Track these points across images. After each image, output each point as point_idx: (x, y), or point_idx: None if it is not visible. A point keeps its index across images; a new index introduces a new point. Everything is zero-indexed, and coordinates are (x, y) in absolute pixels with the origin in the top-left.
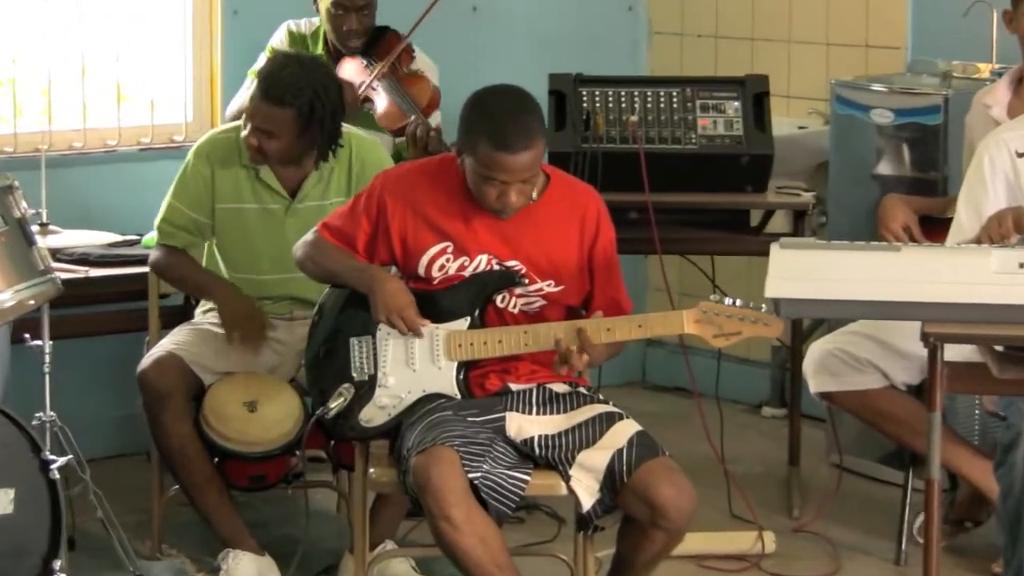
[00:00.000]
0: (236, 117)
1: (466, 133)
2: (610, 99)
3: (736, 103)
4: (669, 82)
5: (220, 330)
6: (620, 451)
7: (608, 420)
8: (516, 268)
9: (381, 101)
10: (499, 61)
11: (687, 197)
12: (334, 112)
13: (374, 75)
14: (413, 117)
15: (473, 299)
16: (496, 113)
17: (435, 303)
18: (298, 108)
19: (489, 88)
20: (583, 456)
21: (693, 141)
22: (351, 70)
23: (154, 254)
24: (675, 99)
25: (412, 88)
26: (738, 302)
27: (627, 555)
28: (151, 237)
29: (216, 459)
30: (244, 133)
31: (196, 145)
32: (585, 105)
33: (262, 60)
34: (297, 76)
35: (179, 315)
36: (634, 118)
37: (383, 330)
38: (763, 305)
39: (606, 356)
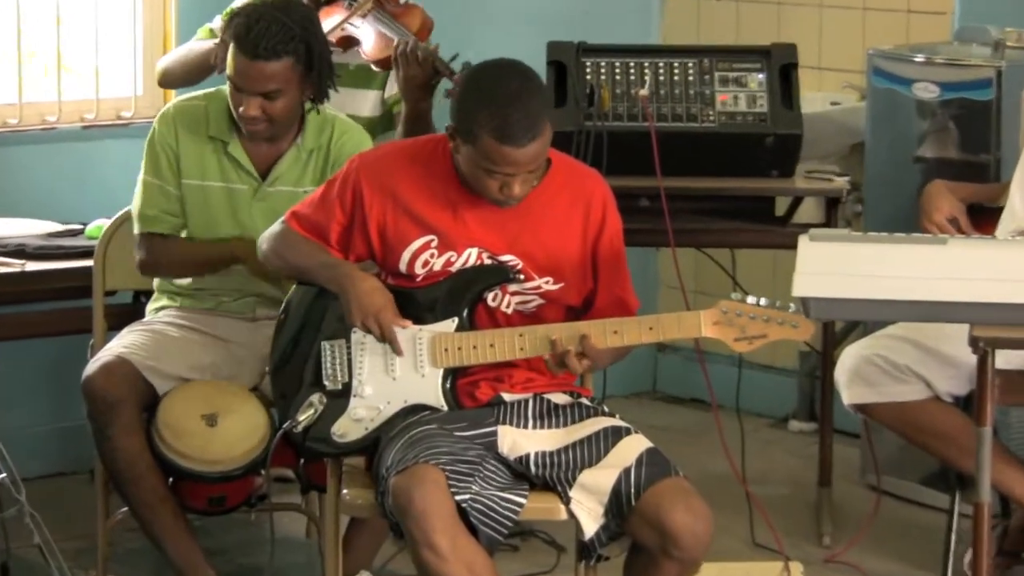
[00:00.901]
0: (177, 69)
1: (463, 121)
2: (617, 71)
3: (760, 76)
4: (684, 51)
5: (176, 331)
6: (627, 470)
7: (614, 435)
8: (511, 263)
9: (367, 36)
10: (491, 27)
11: (704, 182)
12: (324, 42)
13: (356, 10)
14: (403, 38)
15: (461, 297)
16: (498, 100)
17: (418, 302)
18: (294, 53)
19: (487, 67)
20: (586, 476)
21: (711, 119)
22: (335, 17)
23: (139, 252)
24: (691, 71)
25: (402, 18)
26: (763, 301)
27: None
28: (97, 226)
29: (170, 478)
30: (241, 110)
31: (161, 112)
32: (589, 78)
33: (218, 21)
34: (278, 21)
35: (128, 314)
36: (644, 92)
37: (359, 334)
38: (791, 304)
39: (610, 360)
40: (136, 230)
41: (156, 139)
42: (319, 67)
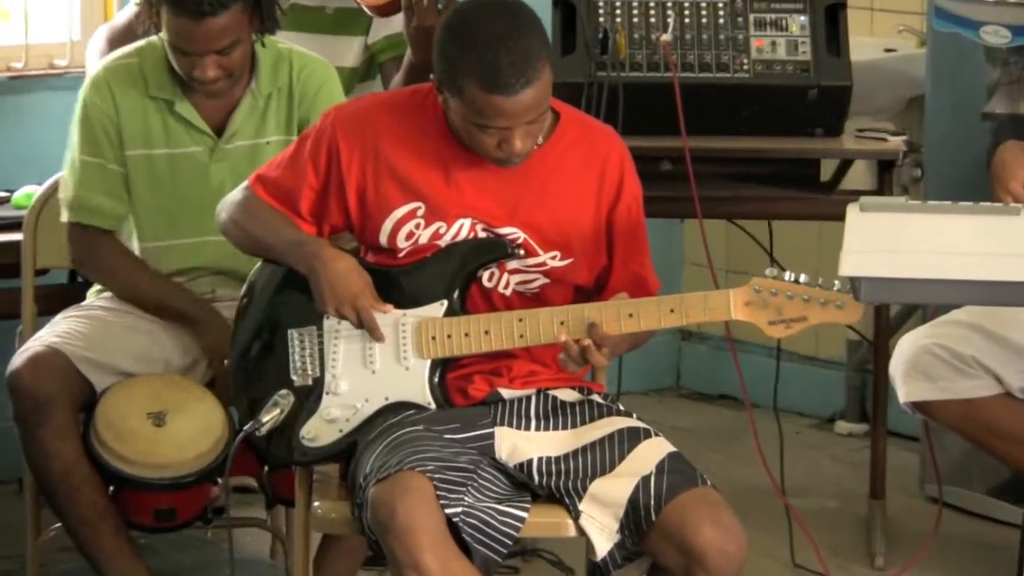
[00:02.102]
0: (119, 34)
1: (446, 69)
2: (635, 11)
3: (802, 18)
4: None
5: (118, 317)
6: (646, 479)
7: (631, 438)
8: (511, 236)
9: None
10: None
11: (737, 143)
12: None
13: None
14: None
15: (451, 277)
16: (483, 42)
17: (401, 283)
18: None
19: (469, 7)
20: (598, 486)
21: (745, 68)
22: None
23: (73, 247)
24: (722, 12)
25: None
26: (802, 277)
27: None
28: (26, 194)
29: (111, 488)
30: (196, 73)
31: (90, 78)
32: (602, 20)
33: None
34: None
35: (63, 297)
36: (667, 37)
37: (332, 320)
38: (835, 282)
39: (626, 347)
40: (66, 218)
41: (90, 111)
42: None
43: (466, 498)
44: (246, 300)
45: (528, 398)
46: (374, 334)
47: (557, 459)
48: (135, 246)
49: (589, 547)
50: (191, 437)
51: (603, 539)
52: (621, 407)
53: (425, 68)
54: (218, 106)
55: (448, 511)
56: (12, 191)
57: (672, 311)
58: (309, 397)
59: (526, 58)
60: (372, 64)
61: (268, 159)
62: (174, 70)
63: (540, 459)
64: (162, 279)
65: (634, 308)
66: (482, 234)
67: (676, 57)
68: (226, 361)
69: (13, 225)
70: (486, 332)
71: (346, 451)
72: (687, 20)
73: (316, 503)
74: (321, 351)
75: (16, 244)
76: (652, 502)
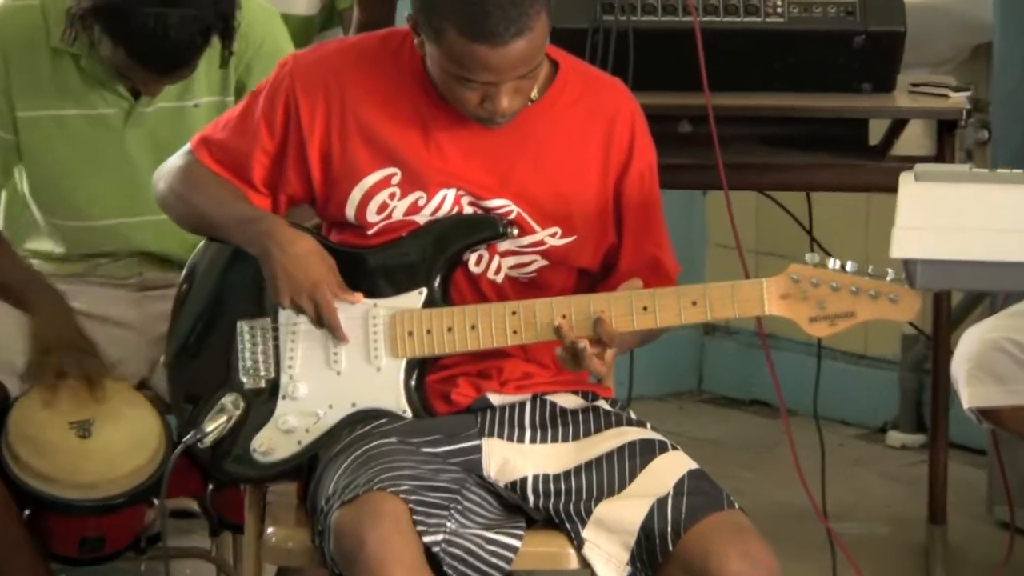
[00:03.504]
0: None
1: (424, 8)
2: None
3: None
4: None
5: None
6: (663, 501)
7: (644, 452)
8: (502, 209)
9: None
10: None
11: (769, 99)
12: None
13: None
14: None
15: (432, 260)
16: None
17: (372, 266)
18: (203, 46)
19: None
20: (605, 508)
21: (779, 11)
22: None
23: None
24: None
25: None
26: (849, 266)
27: None
28: None
29: (27, 512)
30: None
31: None
32: None
33: None
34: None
35: None
36: None
37: (289, 311)
38: (888, 271)
39: (637, 342)
40: None
41: None
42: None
43: (448, 523)
44: (186, 286)
45: (522, 405)
46: (335, 333)
47: (556, 477)
48: (39, 223)
49: None
50: (122, 450)
51: (611, 571)
52: (633, 415)
53: (376, 28)
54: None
55: (427, 539)
56: None
57: (694, 304)
58: (262, 402)
59: (518, 2)
60: (332, 12)
61: (196, 125)
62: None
63: (536, 477)
64: (16, 267)
65: (649, 300)
66: (468, 208)
67: None
68: (162, 363)
69: None
70: (473, 327)
71: (305, 467)
72: None
73: (269, 529)
74: (276, 348)
75: None
76: (669, 528)
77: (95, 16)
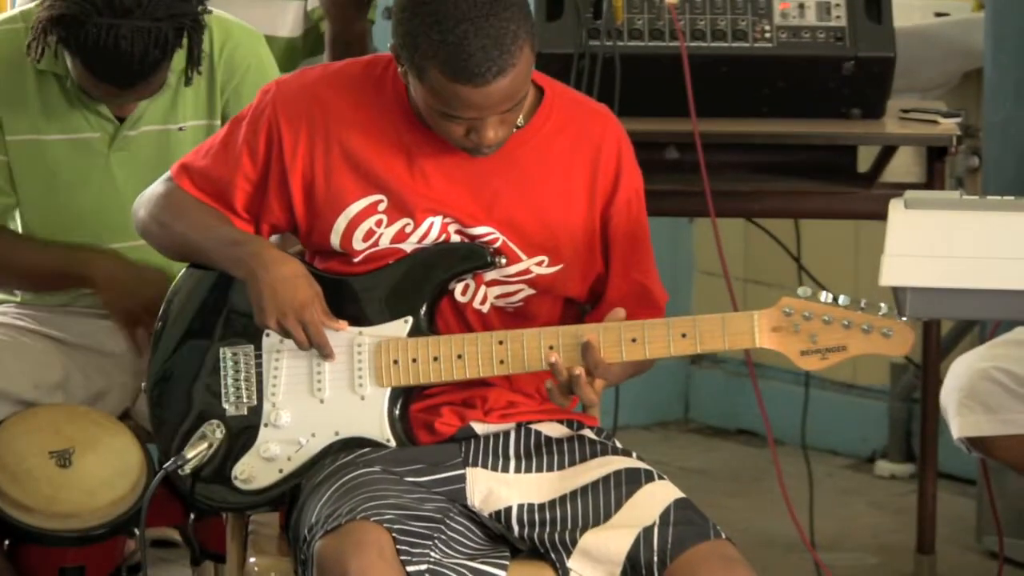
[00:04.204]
0: None
1: (405, 45)
2: None
3: None
4: None
5: (13, 336)
6: (648, 531)
7: (630, 482)
8: (487, 237)
9: None
10: None
11: (757, 126)
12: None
13: None
14: None
15: (418, 289)
16: (448, 20)
17: (357, 294)
18: (161, 60)
19: None
20: (590, 539)
21: (767, 36)
22: None
23: None
24: None
25: None
26: (842, 299)
27: None
28: None
29: (7, 543)
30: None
31: None
32: None
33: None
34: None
35: None
36: (674, 0)
37: (273, 337)
38: (882, 304)
39: (626, 375)
40: None
41: None
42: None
43: (432, 553)
44: (167, 312)
45: (506, 434)
46: (323, 351)
47: (541, 507)
48: None
49: None
50: (103, 480)
51: None
52: (618, 444)
53: (348, 42)
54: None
55: (410, 569)
56: None
57: (684, 336)
58: (243, 430)
59: (500, 42)
60: (318, 35)
61: (181, 148)
62: None
63: (520, 506)
64: (28, 240)
65: (638, 331)
66: (455, 236)
67: (684, 23)
68: (143, 389)
69: None
70: (459, 356)
71: (288, 496)
72: None
73: (251, 559)
74: (259, 374)
75: None
76: (655, 558)
77: (52, 26)
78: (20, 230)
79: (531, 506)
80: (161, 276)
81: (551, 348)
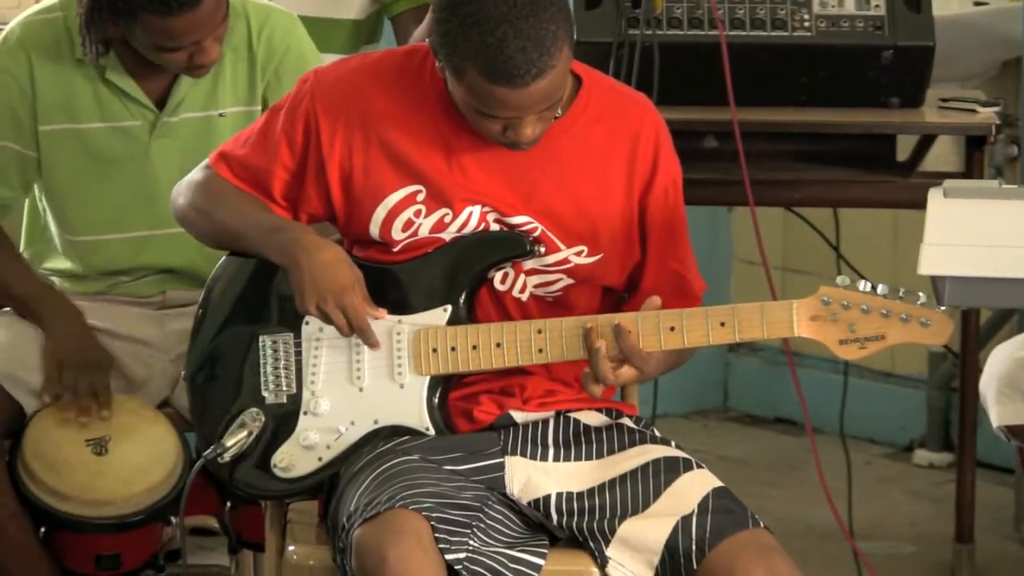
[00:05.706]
0: None
1: (444, 44)
2: None
3: None
4: None
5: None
6: (687, 519)
7: (668, 470)
8: (526, 227)
9: None
10: None
11: (796, 115)
12: None
13: None
14: None
15: (457, 278)
16: (486, 22)
17: (397, 283)
18: None
19: None
20: (629, 527)
21: (806, 26)
22: None
23: None
24: None
25: None
26: (880, 288)
27: None
28: None
29: (43, 529)
30: (196, 60)
31: (3, 33)
32: None
33: None
34: None
35: None
36: None
37: (312, 325)
38: (920, 293)
39: (665, 367)
40: None
41: None
42: None
43: (471, 542)
44: (207, 300)
45: (545, 422)
46: (365, 336)
47: (580, 495)
48: (57, 241)
49: None
50: (139, 468)
51: None
52: (657, 433)
53: None
54: (158, 75)
55: (449, 557)
56: None
57: (723, 325)
58: (283, 418)
59: (540, 43)
60: (380, 19)
61: (222, 134)
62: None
63: (559, 495)
64: (27, 276)
65: (677, 320)
66: (494, 226)
67: (723, 12)
68: (183, 377)
69: None
70: (498, 345)
71: (326, 484)
72: None
73: (290, 547)
74: (298, 362)
75: None
76: (694, 547)
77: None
78: (53, 226)
79: (570, 494)
80: (108, 360)
81: (589, 328)
